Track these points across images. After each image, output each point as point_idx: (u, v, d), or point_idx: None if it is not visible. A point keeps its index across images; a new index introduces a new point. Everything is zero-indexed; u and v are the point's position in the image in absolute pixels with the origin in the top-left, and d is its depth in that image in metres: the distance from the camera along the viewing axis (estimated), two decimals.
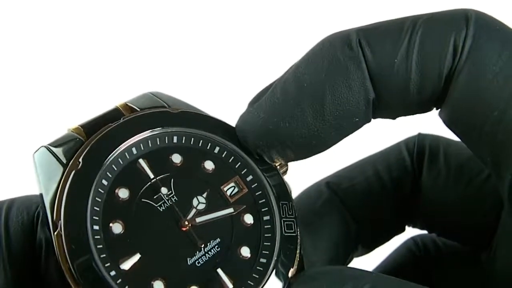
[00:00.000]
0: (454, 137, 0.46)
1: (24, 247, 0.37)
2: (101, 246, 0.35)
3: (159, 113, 0.39)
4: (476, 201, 0.43)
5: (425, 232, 0.49)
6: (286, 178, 0.40)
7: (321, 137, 0.37)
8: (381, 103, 0.36)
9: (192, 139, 0.39)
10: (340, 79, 0.35)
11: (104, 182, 0.37)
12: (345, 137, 0.38)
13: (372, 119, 0.38)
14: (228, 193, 0.39)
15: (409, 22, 0.36)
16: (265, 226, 0.38)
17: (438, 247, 0.48)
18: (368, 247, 0.48)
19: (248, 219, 0.38)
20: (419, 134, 0.47)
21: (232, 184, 0.39)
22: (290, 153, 0.38)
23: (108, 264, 0.35)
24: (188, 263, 0.36)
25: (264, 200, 0.38)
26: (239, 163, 0.39)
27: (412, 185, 0.46)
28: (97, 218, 0.36)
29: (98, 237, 0.35)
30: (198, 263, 0.36)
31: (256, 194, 0.39)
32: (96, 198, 0.36)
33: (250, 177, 0.39)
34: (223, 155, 0.39)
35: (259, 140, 0.38)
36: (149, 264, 0.36)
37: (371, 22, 0.37)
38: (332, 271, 0.35)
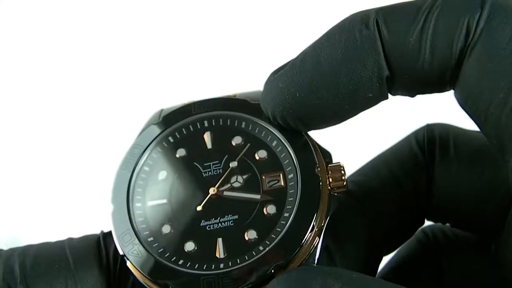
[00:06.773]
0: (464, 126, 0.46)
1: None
2: (141, 182, 0.42)
3: (240, 100, 0.44)
4: (489, 189, 0.44)
5: (438, 223, 0.49)
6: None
7: (334, 110, 0.38)
8: (397, 80, 0.37)
9: (257, 128, 0.43)
10: (354, 57, 0.37)
11: (171, 139, 0.44)
12: (359, 111, 0.39)
13: (392, 96, 0.39)
14: (267, 183, 0.42)
15: (427, 3, 0.37)
16: (281, 222, 0.40)
17: (448, 237, 0.48)
18: (394, 246, 0.48)
19: (271, 209, 0.41)
20: (428, 125, 0.47)
21: (274, 177, 0.42)
22: (305, 122, 0.40)
23: (140, 197, 0.42)
24: (200, 224, 0.40)
25: (292, 198, 0.41)
26: (288, 160, 0.42)
27: (427, 179, 0.46)
28: (151, 163, 0.43)
29: (144, 176, 0.43)
30: (209, 227, 0.40)
31: (290, 191, 0.41)
32: (158, 148, 0.43)
33: (291, 175, 0.41)
34: (277, 150, 0.43)
35: (276, 108, 0.40)
36: (169, 210, 0.41)
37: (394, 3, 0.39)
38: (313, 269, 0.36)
